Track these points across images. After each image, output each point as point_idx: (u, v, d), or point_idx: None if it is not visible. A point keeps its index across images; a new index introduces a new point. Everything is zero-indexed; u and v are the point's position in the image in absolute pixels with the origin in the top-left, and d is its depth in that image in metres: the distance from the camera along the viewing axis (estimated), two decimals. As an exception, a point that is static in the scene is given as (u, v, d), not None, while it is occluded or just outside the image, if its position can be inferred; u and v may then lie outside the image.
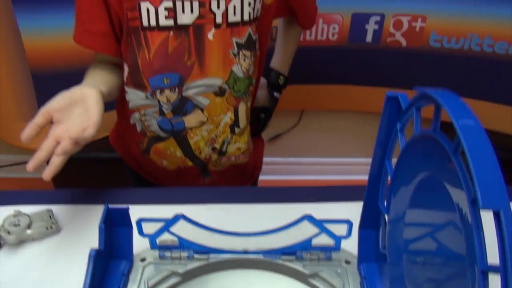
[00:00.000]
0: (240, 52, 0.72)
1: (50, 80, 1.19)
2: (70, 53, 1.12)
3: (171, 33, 0.68)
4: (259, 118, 0.91)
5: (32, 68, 1.19)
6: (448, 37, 1.28)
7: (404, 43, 1.31)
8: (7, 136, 1.26)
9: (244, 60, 0.73)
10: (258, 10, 0.72)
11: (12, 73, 1.18)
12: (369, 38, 1.32)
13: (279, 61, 0.92)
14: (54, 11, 1.12)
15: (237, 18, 0.70)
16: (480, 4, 1.23)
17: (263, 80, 0.90)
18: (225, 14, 0.69)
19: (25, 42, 1.15)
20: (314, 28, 1.30)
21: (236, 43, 0.71)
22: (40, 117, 0.57)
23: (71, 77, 1.15)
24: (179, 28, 0.68)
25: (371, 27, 1.30)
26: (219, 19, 0.69)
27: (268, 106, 0.92)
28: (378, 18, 1.28)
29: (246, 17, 0.70)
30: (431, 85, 1.24)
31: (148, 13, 0.67)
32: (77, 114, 0.59)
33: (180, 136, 0.77)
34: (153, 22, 0.67)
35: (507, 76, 1.30)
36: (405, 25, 1.28)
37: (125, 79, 0.73)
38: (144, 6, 0.66)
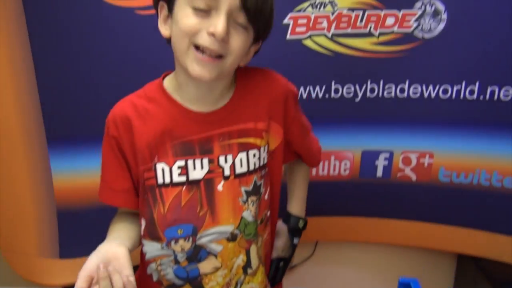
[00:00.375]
0: (249, 199, 0.77)
1: (73, 217, 1.24)
2: (94, 192, 1.19)
3: (184, 187, 0.74)
4: (278, 267, 0.92)
5: (58, 205, 1.23)
6: (456, 172, 1.32)
7: (414, 178, 1.35)
8: (24, 271, 1.26)
9: (253, 205, 0.77)
10: (264, 158, 0.78)
11: (38, 210, 1.23)
12: (379, 173, 1.36)
13: (296, 205, 0.96)
14: (86, 153, 1.20)
15: (244, 169, 0.76)
16: (485, 142, 1.28)
17: (283, 227, 0.93)
18: (233, 167, 0.75)
19: (55, 182, 1.21)
20: (326, 164, 1.35)
21: (245, 191, 0.76)
22: (82, 282, 0.60)
23: (93, 215, 1.21)
24: (191, 183, 0.74)
25: (381, 163, 1.35)
26: (227, 172, 0.75)
27: (287, 255, 0.94)
28: (387, 154, 1.34)
29: (252, 167, 0.76)
30: (443, 218, 1.24)
31: (163, 172, 0.73)
32: (111, 272, 0.62)
33: (196, 283, 0.78)
34: (167, 180, 0.73)
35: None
36: (414, 161, 1.33)
37: (142, 232, 0.77)
38: (159, 166, 0.73)
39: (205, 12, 0.65)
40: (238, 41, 0.67)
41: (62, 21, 1.10)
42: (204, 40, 0.65)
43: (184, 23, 0.66)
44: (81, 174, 1.21)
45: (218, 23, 0.64)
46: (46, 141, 1.18)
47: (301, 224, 0.94)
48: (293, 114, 0.82)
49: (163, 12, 0.71)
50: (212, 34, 0.64)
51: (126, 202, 0.78)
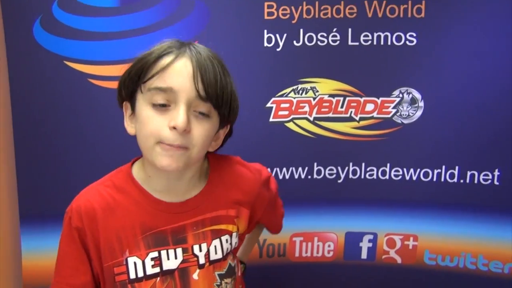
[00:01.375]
0: (223, 282, 0.75)
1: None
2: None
3: (158, 279, 0.71)
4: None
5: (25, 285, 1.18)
6: (442, 255, 1.30)
7: (399, 260, 1.33)
8: None
9: (226, 287, 0.76)
10: (236, 242, 0.78)
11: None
12: (364, 255, 1.33)
13: (242, 252, 0.98)
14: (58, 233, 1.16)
15: (219, 255, 0.74)
16: (468, 225, 1.27)
17: None
18: (207, 255, 0.73)
19: (24, 262, 1.17)
20: (309, 245, 1.33)
21: (219, 275, 0.75)
22: None
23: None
24: (165, 273, 0.72)
25: (365, 244, 1.33)
26: (202, 260, 0.73)
27: None
28: (371, 236, 1.32)
29: (225, 252, 0.75)
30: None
31: (135, 266, 0.71)
32: None
33: None
34: (140, 274, 0.71)
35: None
36: (398, 244, 1.31)
37: None
38: (131, 261, 0.71)
39: (164, 107, 0.66)
40: (201, 131, 0.67)
41: (46, 99, 1.11)
42: (167, 135, 0.65)
43: (147, 124, 0.66)
44: (50, 255, 1.16)
45: (178, 116, 0.64)
46: (19, 220, 1.15)
47: (241, 269, 0.94)
48: (267, 198, 0.84)
49: (128, 111, 0.73)
50: (174, 128, 0.65)
51: None
